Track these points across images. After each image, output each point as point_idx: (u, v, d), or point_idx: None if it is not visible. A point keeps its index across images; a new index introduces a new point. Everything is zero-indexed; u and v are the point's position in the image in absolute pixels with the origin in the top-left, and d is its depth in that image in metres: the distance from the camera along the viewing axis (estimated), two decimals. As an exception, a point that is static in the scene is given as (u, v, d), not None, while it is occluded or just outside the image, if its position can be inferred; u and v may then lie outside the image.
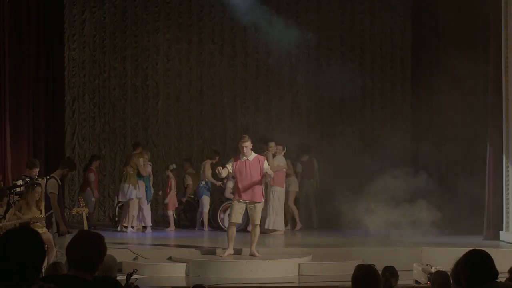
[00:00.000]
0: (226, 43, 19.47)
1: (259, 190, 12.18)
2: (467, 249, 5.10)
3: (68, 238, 9.72)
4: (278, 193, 15.38)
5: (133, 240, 14.67)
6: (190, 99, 19.40)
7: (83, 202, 12.23)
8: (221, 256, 12.13)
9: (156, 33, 19.16)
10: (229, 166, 12.21)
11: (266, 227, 15.28)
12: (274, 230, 15.40)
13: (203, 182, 16.34)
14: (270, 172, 12.39)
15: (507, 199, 13.73)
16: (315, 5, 19.44)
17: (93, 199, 16.97)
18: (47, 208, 11.14)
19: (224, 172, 12.19)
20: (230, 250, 12.19)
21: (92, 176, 17.00)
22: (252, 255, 12.15)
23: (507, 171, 13.72)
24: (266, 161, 12.45)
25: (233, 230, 12.22)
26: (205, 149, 19.20)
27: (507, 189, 13.73)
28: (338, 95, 19.53)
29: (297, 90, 19.45)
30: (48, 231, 11.19)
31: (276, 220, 15.41)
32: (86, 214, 11.85)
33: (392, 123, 19.30)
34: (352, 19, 19.54)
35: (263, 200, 12.41)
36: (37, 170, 12.87)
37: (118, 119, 19.26)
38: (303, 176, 16.69)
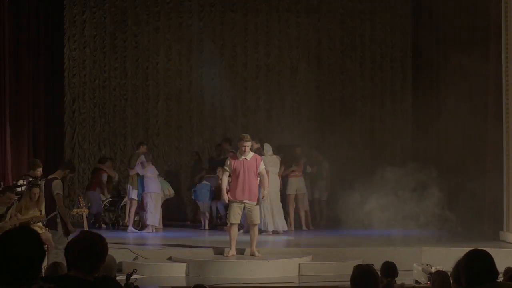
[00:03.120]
0: (227, 43, 19.48)
1: (256, 189, 12.21)
2: (468, 249, 5.10)
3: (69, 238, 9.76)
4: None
5: (133, 240, 14.67)
6: (190, 99, 19.41)
7: (83, 202, 12.22)
8: (226, 256, 12.14)
9: (156, 33, 19.16)
10: (228, 168, 12.24)
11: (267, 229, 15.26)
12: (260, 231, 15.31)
13: (211, 188, 16.42)
14: (264, 172, 12.40)
15: (508, 199, 13.72)
16: (315, 5, 19.45)
17: (101, 199, 17.04)
18: (50, 209, 11.14)
19: (226, 177, 12.36)
20: (233, 251, 12.18)
21: (105, 176, 17.12)
22: (252, 254, 12.16)
23: (508, 170, 13.71)
24: (262, 161, 12.44)
25: (235, 230, 12.22)
26: (205, 149, 19.21)
27: (508, 189, 13.72)
28: (338, 95, 19.56)
29: (297, 90, 19.45)
30: (48, 231, 11.20)
31: (266, 221, 15.28)
32: (86, 214, 11.84)
33: (393, 123, 19.31)
34: (352, 19, 19.54)
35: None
36: (41, 169, 12.74)
37: (118, 119, 19.27)
38: None
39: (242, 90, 19.43)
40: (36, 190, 11.54)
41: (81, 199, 12.40)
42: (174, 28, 19.30)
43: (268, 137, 18.15)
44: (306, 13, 19.45)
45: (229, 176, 12.39)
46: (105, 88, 19.22)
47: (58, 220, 11.01)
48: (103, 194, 17.13)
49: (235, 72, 19.45)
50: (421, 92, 17.72)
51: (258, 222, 12.40)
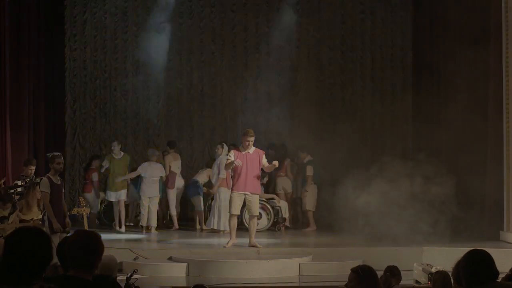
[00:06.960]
0: (227, 43, 19.48)
1: (257, 182, 12.66)
2: (468, 249, 5.11)
3: (61, 237, 9.74)
4: (223, 194, 15.25)
5: (133, 240, 14.68)
6: (191, 99, 19.42)
7: (84, 202, 12.22)
8: (224, 247, 12.38)
9: (157, 33, 19.15)
10: (232, 156, 12.61)
11: (210, 226, 15.51)
12: (218, 230, 15.41)
13: (198, 184, 16.45)
14: (267, 166, 12.74)
15: (508, 198, 13.73)
16: (315, 5, 19.46)
17: (97, 199, 17.03)
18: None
19: (231, 161, 12.60)
20: (233, 240, 12.63)
21: (95, 176, 17.07)
22: (252, 246, 12.45)
23: (508, 170, 13.72)
24: (264, 155, 12.80)
25: (235, 221, 12.73)
26: (205, 149, 19.21)
27: (508, 189, 13.73)
28: (338, 95, 19.56)
29: (297, 90, 19.46)
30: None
31: (221, 221, 15.32)
32: (86, 214, 11.84)
33: (393, 123, 19.30)
34: (353, 19, 19.55)
35: (261, 192, 12.96)
36: (33, 168, 12.69)
37: (119, 119, 19.28)
38: None
39: (242, 90, 19.43)
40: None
41: (81, 199, 12.41)
42: (175, 28, 19.30)
43: (268, 137, 18.19)
44: (307, 13, 19.45)
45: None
46: (106, 88, 19.23)
47: (45, 217, 11.07)
48: (97, 194, 17.09)
49: (235, 72, 19.46)
50: (421, 92, 17.70)
51: (257, 213, 12.83)
